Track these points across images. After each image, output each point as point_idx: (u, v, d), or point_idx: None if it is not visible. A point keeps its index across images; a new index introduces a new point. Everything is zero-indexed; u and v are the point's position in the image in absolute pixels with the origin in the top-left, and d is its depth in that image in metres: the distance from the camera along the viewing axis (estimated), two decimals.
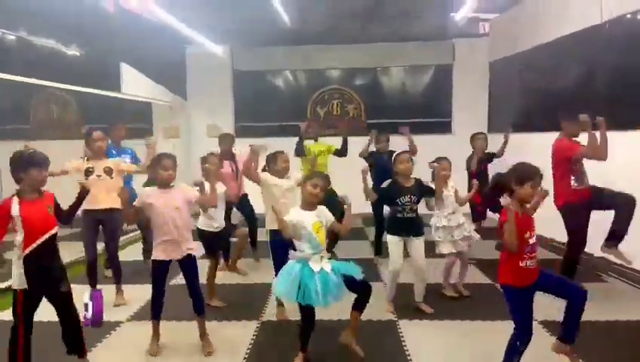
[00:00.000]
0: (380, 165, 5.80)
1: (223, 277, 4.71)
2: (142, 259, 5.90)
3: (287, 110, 9.74)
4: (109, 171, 4.53)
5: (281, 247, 3.69)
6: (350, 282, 3.24)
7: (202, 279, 3.93)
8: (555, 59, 6.91)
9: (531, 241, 2.87)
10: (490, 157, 6.35)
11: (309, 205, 3.33)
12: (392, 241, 4.23)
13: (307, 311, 3.24)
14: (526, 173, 2.85)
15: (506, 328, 3.89)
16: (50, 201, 3.05)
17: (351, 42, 9.45)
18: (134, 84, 7.43)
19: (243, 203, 5.84)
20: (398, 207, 4.17)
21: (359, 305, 3.30)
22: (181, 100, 9.42)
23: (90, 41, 6.30)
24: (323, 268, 3.18)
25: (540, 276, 2.91)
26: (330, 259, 3.32)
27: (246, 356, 3.53)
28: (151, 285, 3.51)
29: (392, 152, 5.56)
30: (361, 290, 3.29)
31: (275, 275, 3.76)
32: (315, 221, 3.25)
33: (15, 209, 2.91)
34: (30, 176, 2.93)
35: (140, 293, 4.58)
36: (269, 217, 4.03)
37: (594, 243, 4.65)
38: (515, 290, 2.89)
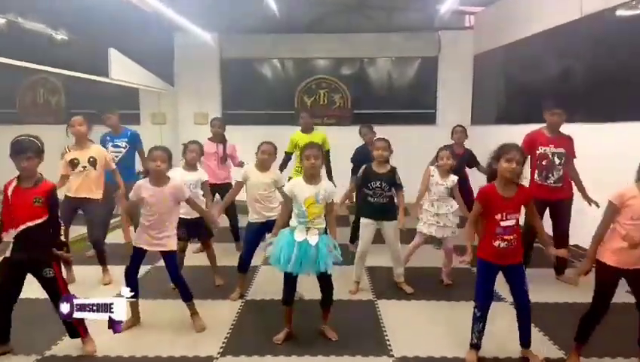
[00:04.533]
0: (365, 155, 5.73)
1: (206, 259, 4.82)
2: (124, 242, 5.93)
3: (274, 99, 9.80)
4: (93, 162, 4.59)
5: (252, 231, 4.19)
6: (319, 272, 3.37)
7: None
8: (536, 53, 7.06)
9: (503, 224, 3.03)
10: (470, 161, 6.08)
11: (309, 178, 3.42)
12: (364, 223, 4.39)
13: (286, 276, 3.39)
14: (500, 149, 3.06)
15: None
16: (41, 194, 3.07)
17: (338, 32, 9.52)
18: (122, 70, 7.43)
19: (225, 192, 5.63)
20: (368, 190, 4.32)
21: (323, 303, 3.52)
22: (168, 87, 9.44)
23: (79, 26, 6.32)
24: (307, 239, 3.29)
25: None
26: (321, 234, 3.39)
27: (229, 331, 3.66)
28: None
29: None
30: (322, 284, 3.46)
31: (246, 251, 4.22)
32: (309, 195, 3.34)
33: (10, 190, 3.06)
34: (17, 164, 3.05)
35: None
36: (250, 209, 4.24)
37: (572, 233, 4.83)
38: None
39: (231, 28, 9.48)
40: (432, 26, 9.29)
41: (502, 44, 8.08)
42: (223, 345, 3.43)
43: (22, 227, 3.04)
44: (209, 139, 5.85)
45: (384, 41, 9.58)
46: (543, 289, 4.48)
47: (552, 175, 4.61)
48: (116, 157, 5.53)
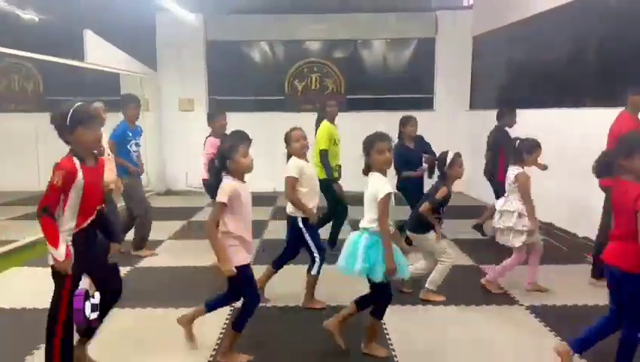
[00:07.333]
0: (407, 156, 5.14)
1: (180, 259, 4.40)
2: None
3: (263, 84, 9.37)
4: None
5: (312, 227, 3.80)
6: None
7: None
8: (542, 33, 6.70)
9: None
10: None
11: (384, 173, 2.98)
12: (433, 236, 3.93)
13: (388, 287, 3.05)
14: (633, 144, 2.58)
15: (494, 314, 3.76)
16: (102, 170, 2.65)
17: (330, 12, 9.11)
18: (100, 53, 6.96)
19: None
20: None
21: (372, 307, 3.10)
22: (151, 71, 8.96)
23: (50, 5, 5.81)
24: None
25: None
26: None
27: (217, 345, 3.26)
28: None
29: (420, 137, 5.30)
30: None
31: (318, 254, 3.74)
32: None
33: (80, 174, 2.40)
34: (80, 137, 2.42)
35: None
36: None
37: (578, 224, 4.50)
38: None
39: (217, 8, 9.04)
40: (429, 5, 8.95)
41: (504, 23, 7.70)
42: None
43: (93, 217, 2.54)
44: (213, 136, 5.04)
45: (379, 21, 9.18)
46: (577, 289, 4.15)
47: None
48: (137, 157, 5.09)
